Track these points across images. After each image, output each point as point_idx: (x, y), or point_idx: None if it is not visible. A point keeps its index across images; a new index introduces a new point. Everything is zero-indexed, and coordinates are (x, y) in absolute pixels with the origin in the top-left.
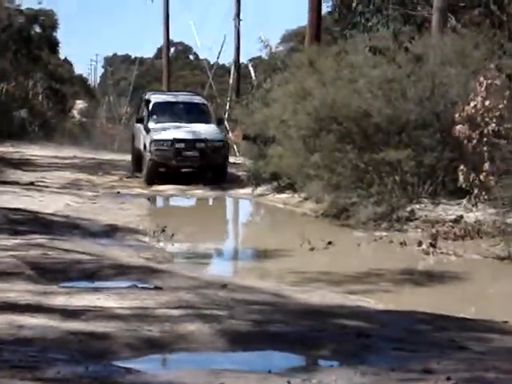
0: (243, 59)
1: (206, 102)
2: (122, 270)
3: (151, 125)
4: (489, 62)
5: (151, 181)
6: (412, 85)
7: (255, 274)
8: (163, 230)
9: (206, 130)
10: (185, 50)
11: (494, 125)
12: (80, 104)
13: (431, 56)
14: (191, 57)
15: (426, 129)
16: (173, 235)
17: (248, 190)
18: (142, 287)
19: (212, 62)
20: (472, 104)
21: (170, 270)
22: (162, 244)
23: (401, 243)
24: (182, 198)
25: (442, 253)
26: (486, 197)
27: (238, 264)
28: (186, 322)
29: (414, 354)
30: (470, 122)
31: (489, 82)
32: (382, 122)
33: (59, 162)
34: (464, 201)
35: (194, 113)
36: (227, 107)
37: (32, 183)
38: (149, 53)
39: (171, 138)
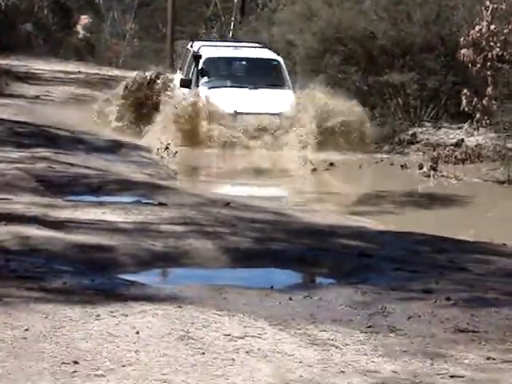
0: None
1: (279, 59)
2: (126, 186)
3: (203, 90)
4: None
5: None
6: (418, 7)
7: (257, 193)
8: (167, 148)
9: (278, 99)
10: None
11: (498, 49)
12: (85, 19)
13: None
14: None
15: (430, 52)
16: (176, 153)
17: None
18: (147, 202)
19: None
20: (477, 28)
21: (174, 186)
22: (165, 161)
23: (402, 166)
24: None
25: (442, 176)
26: (487, 121)
27: (239, 183)
28: (190, 238)
29: (414, 274)
30: (475, 46)
31: (494, 6)
32: (387, 44)
33: (64, 76)
34: (466, 125)
35: (262, 74)
36: (231, 27)
37: (37, 97)
38: None
39: (231, 110)
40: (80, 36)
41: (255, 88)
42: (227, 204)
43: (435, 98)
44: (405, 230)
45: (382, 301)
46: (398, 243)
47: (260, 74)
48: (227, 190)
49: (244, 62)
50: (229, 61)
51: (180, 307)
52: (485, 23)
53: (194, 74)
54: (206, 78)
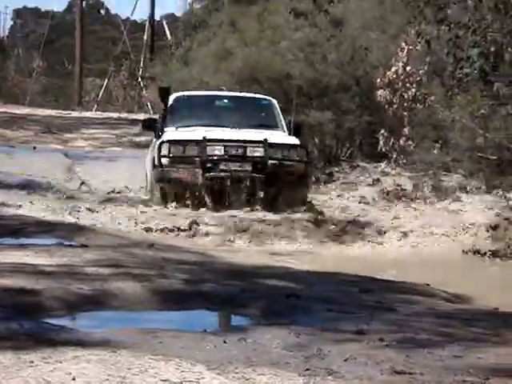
0: (156, 16)
1: (270, 99)
2: (46, 228)
3: (169, 129)
4: (409, 28)
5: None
6: (333, 48)
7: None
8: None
9: (268, 135)
10: (96, 4)
11: (413, 90)
12: None
13: (351, 20)
14: (102, 12)
15: (346, 92)
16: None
17: None
18: (69, 244)
19: (124, 18)
20: (393, 69)
21: (94, 227)
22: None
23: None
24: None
25: None
26: (404, 161)
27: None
28: (117, 280)
29: (345, 314)
30: (391, 86)
31: (410, 47)
32: (304, 85)
33: None
34: (383, 164)
35: (249, 114)
36: (141, 64)
37: None
38: (59, 7)
39: (199, 137)
40: None
41: (241, 127)
42: (151, 245)
43: (350, 137)
44: (329, 270)
45: (316, 342)
46: (324, 284)
47: (247, 115)
48: None
49: (226, 102)
50: (206, 99)
51: (114, 352)
52: (401, 64)
53: (161, 115)
54: (175, 118)
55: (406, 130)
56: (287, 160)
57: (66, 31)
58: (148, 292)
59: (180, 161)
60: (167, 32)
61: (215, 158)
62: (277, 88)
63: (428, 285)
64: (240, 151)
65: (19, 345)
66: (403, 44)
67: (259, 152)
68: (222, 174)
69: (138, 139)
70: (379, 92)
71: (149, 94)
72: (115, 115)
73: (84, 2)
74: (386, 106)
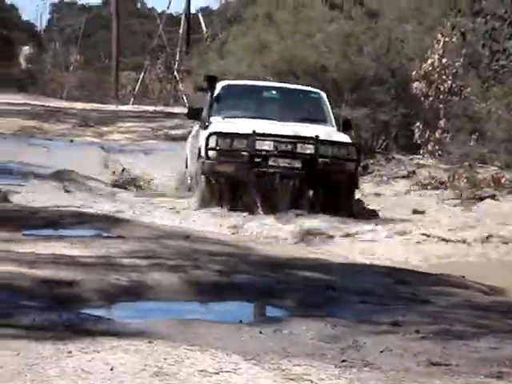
0: (192, 9)
1: (319, 92)
2: (84, 219)
3: (215, 119)
4: (445, 20)
5: (206, 204)
6: (369, 40)
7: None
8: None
9: (318, 130)
10: None
11: (449, 82)
12: (26, 50)
13: (387, 12)
14: (139, 5)
15: (381, 85)
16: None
17: None
18: (107, 236)
19: (160, 11)
20: (429, 61)
21: (132, 219)
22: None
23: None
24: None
25: None
26: (440, 153)
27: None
28: (153, 271)
29: (380, 306)
30: (426, 78)
31: (446, 39)
32: (339, 77)
33: (10, 108)
34: (419, 156)
35: (297, 107)
36: (177, 58)
37: None
38: (96, 0)
39: (248, 131)
40: (22, 67)
41: (288, 121)
42: (187, 237)
43: (386, 130)
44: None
45: (352, 334)
46: (359, 275)
47: (296, 108)
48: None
49: (274, 93)
50: (253, 89)
51: (150, 342)
52: (436, 56)
53: (207, 104)
54: (221, 108)
55: (441, 122)
56: (338, 158)
57: (102, 25)
58: (184, 283)
59: (228, 154)
60: (203, 25)
61: (264, 153)
62: (313, 80)
63: (463, 277)
64: (290, 147)
65: (58, 335)
66: (439, 36)
67: (309, 149)
68: (271, 169)
69: (173, 132)
70: (415, 84)
71: (185, 87)
72: (151, 108)
73: None
74: (422, 99)
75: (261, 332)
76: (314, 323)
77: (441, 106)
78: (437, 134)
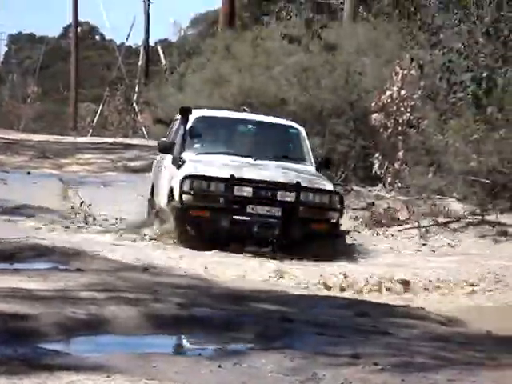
0: (151, 41)
1: (298, 127)
2: (41, 252)
3: (188, 155)
4: (403, 53)
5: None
6: (327, 73)
7: None
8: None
9: (298, 171)
10: (91, 29)
11: (408, 114)
12: None
13: (345, 45)
14: (97, 37)
15: (340, 117)
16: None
17: None
18: (64, 269)
19: (119, 43)
20: (388, 93)
21: (90, 252)
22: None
23: None
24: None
25: None
26: (399, 184)
27: None
28: (112, 304)
29: (339, 338)
30: (385, 110)
31: (404, 71)
32: (298, 110)
33: None
34: (378, 187)
35: (275, 143)
36: (136, 89)
37: None
38: (54, 32)
39: (225, 175)
40: None
41: (264, 159)
42: (145, 269)
43: (344, 161)
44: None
45: (311, 366)
46: (318, 307)
47: (272, 144)
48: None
49: (250, 127)
50: (229, 122)
51: (109, 377)
52: (395, 88)
53: (179, 136)
54: (195, 142)
55: (400, 154)
56: (320, 207)
57: (60, 57)
58: (143, 316)
59: (203, 198)
60: (162, 57)
61: (242, 199)
62: (271, 113)
63: (423, 308)
64: (269, 194)
65: (13, 370)
66: (397, 68)
67: (290, 197)
68: (249, 217)
69: (132, 164)
70: (373, 116)
71: (143, 118)
72: (110, 140)
73: (79, 28)
74: (381, 130)
75: (220, 366)
76: (272, 356)
77: (399, 137)
78: (396, 165)
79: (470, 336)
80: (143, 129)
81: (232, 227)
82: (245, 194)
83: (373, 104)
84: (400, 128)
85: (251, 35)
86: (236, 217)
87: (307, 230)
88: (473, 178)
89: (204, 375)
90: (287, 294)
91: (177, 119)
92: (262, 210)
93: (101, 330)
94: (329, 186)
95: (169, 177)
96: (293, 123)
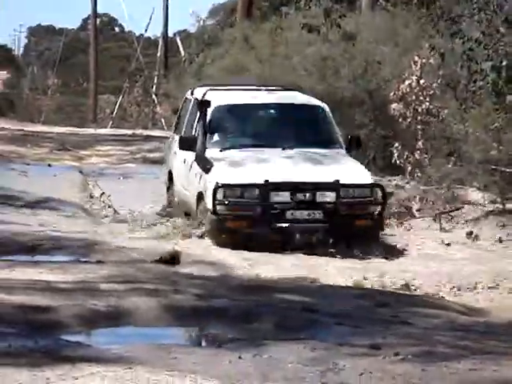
0: (169, 32)
1: (322, 105)
2: (62, 244)
3: (213, 153)
4: (422, 41)
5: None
6: (346, 63)
7: None
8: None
9: (332, 163)
10: (110, 21)
11: (427, 103)
12: (3, 75)
13: (364, 34)
14: (116, 29)
15: (359, 106)
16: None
17: None
18: (85, 261)
19: (138, 35)
20: (407, 82)
21: (111, 243)
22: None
23: None
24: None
25: None
26: (419, 174)
27: None
28: (132, 296)
29: (360, 329)
30: (404, 100)
31: (423, 60)
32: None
33: None
34: (398, 178)
35: (301, 127)
36: (155, 81)
37: None
38: (74, 24)
39: (259, 180)
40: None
41: (293, 147)
42: (172, 259)
43: (364, 151)
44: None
45: (331, 357)
46: (340, 298)
47: (299, 128)
48: None
49: (274, 112)
50: (251, 109)
51: (130, 368)
52: (414, 78)
53: (200, 130)
54: (216, 136)
55: (420, 144)
56: (362, 203)
57: (80, 49)
58: (163, 308)
59: (238, 207)
60: (181, 48)
61: (280, 205)
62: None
63: (444, 297)
64: (308, 196)
65: (35, 362)
66: (416, 57)
67: (330, 197)
68: (289, 224)
69: (151, 155)
70: (393, 105)
71: (163, 110)
72: (129, 132)
73: (98, 19)
74: (400, 120)
75: (240, 357)
76: (293, 347)
77: (419, 127)
78: (416, 155)
79: (491, 325)
80: (162, 120)
81: (272, 235)
82: (282, 200)
83: (392, 94)
84: (419, 117)
85: (270, 26)
86: (275, 224)
87: (351, 228)
88: (493, 166)
89: (224, 366)
90: (307, 283)
91: (187, 99)
92: (301, 214)
93: (121, 322)
94: (368, 179)
95: (194, 177)
96: (316, 101)
